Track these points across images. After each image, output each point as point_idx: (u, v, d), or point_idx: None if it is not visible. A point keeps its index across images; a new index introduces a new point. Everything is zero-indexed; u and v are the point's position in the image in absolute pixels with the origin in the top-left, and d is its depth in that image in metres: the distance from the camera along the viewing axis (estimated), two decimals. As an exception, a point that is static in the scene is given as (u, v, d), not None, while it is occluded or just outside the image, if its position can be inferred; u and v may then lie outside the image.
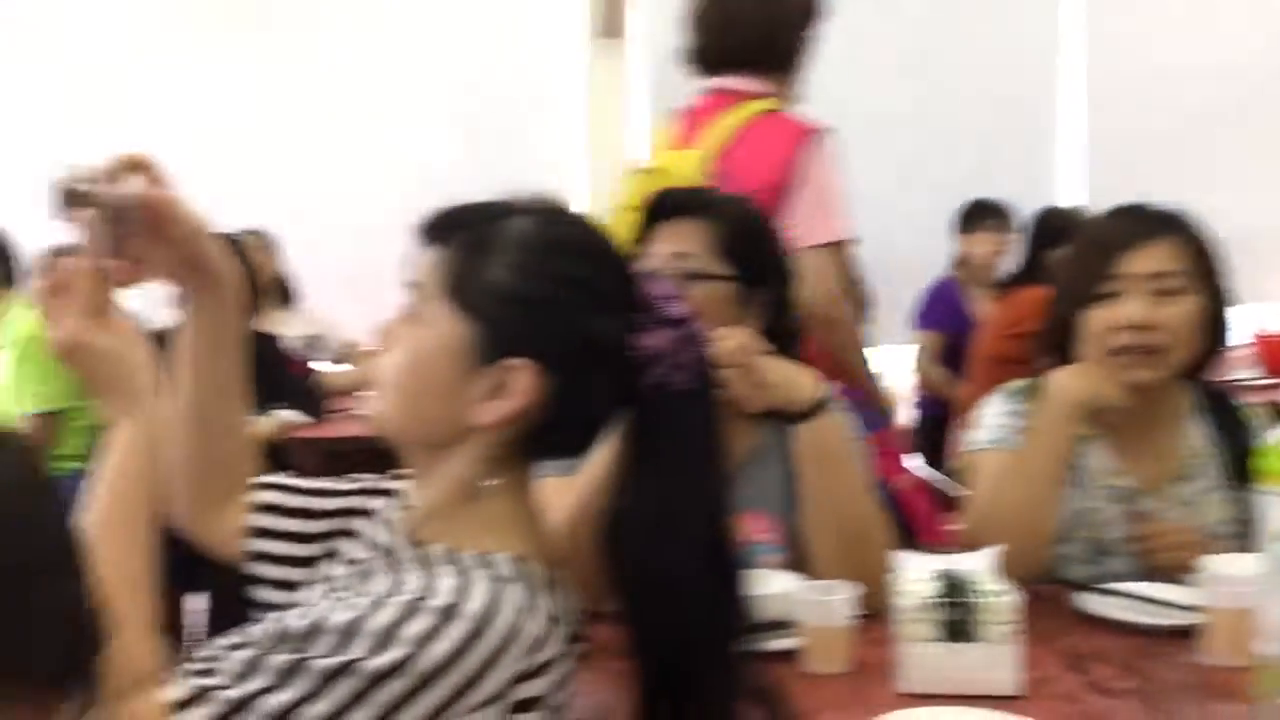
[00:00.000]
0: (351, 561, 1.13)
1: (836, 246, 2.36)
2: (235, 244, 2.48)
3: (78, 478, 3.52)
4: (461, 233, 1.06)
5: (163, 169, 1.09)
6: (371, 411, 1.10)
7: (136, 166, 1.06)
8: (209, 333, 1.17)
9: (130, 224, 1.04)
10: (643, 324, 1.06)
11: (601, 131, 5.40)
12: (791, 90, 2.50)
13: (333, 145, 5.27)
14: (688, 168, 2.34)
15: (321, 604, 0.97)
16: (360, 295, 3.58)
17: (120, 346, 1.03)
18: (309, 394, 3.60)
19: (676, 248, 1.66)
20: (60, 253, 3.44)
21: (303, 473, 1.28)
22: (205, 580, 2.90)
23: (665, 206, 1.71)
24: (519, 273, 1.04)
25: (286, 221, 4.55)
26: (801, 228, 2.29)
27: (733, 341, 1.48)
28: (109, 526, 1.00)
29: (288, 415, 3.36)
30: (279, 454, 3.13)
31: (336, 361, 4.37)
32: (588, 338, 1.04)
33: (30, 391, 3.71)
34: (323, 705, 0.90)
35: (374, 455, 1.32)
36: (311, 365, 4.16)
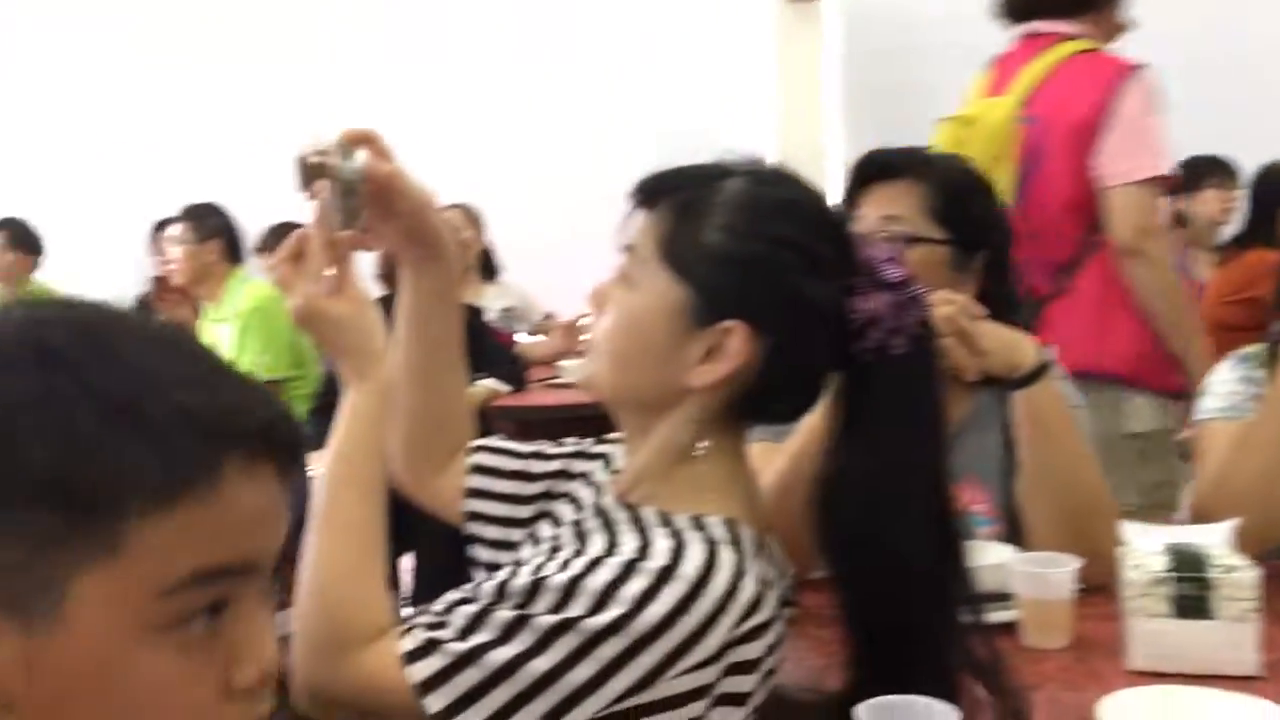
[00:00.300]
0: (566, 523, 1.15)
1: (1150, 183, 2.33)
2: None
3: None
4: (675, 195, 1.06)
5: (387, 144, 1.13)
6: (584, 374, 1.12)
7: (364, 141, 1.10)
8: (430, 300, 1.21)
9: (359, 196, 1.08)
10: (859, 287, 1.04)
11: (795, 99, 5.32)
12: (1107, 30, 2.48)
13: (529, 119, 5.38)
14: (999, 114, 2.37)
15: (542, 563, 0.99)
16: (557, 268, 3.65)
17: (354, 313, 1.07)
18: (512, 364, 3.69)
19: (886, 210, 1.61)
20: (288, 228, 3.63)
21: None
22: (412, 541, 3.01)
23: (874, 167, 1.66)
24: (733, 234, 1.03)
25: (486, 196, 4.66)
26: (1112, 165, 2.30)
27: (949, 307, 1.44)
28: (345, 487, 1.04)
29: (491, 384, 3.45)
30: (481, 421, 3.22)
31: (534, 333, 4.46)
32: (802, 300, 1.03)
33: (252, 361, 3.93)
34: (544, 661, 0.92)
35: (569, 424, 1.34)
36: (513, 336, 4.26)
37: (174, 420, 0.59)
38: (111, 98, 5.43)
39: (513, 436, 1.33)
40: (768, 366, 1.03)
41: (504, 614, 0.94)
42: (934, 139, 2.38)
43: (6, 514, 0.58)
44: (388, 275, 3.18)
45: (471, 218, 4.39)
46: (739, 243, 1.03)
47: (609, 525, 1.05)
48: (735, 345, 1.02)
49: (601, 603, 0.93)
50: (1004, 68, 2.49)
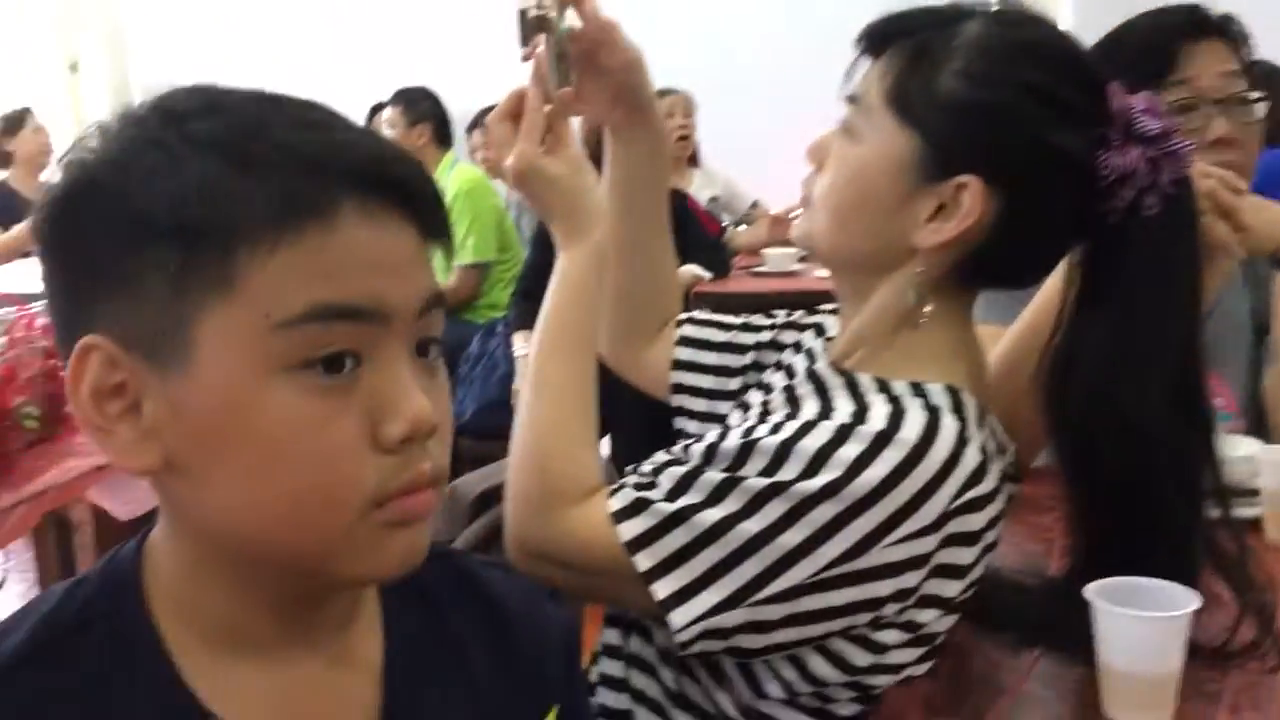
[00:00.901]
0: (777, 390, 1.11)
1: None
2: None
3: (499, 326, 3.81)
4: (907, 40, 0.98)
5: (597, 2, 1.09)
6: (801, 230, 1.06)
7: None
8: (638, 166, 1.18)
9: (570, 54, 1.06)
10: (1112, 140, 0.94)
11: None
12: None
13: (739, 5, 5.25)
14: None
15: (752, 425, 0.96)
16: (765, 157, 3.56)
17: (569, 172, 1.04)
18: (718, 251, 3.64)
19: (1230, 65, 1.45)
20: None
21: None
22: (611, 423, 3.02)
23: (1200, 23, 1.48)
24: (971, 80, 0.95)
25: (691, 82, 4.58)
26: None
27: (1210, 180, 1.30)
28: (556, 348, 1.03)
29: (693, 270, 3.42)
30: (682, 308, 3.19)
31: (739, 223, 4.40)
32: (1046, 152, 0.94)
33: (459, 244, 4.01)
34: (754, 523, 0.89)
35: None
36: (721, 224, 4.20)
37: (281, 156, 0.59)
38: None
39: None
40: (1003, 226, 0.95)
41: (713, 475, 0.92)
42: None
43: (130, 259, 0.60)
44: (594, 158, 3.16)
45: (684, 103, 4.30)
46: (978, 89, 0.94)
47: (823, 390, 1.01)
48: (969, 202, 0.94)
49: (815, 466, 0.89)
50: None
